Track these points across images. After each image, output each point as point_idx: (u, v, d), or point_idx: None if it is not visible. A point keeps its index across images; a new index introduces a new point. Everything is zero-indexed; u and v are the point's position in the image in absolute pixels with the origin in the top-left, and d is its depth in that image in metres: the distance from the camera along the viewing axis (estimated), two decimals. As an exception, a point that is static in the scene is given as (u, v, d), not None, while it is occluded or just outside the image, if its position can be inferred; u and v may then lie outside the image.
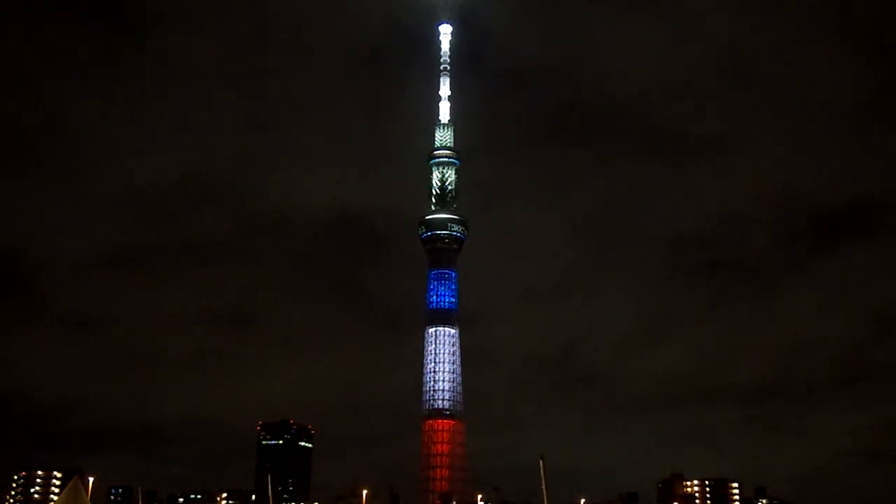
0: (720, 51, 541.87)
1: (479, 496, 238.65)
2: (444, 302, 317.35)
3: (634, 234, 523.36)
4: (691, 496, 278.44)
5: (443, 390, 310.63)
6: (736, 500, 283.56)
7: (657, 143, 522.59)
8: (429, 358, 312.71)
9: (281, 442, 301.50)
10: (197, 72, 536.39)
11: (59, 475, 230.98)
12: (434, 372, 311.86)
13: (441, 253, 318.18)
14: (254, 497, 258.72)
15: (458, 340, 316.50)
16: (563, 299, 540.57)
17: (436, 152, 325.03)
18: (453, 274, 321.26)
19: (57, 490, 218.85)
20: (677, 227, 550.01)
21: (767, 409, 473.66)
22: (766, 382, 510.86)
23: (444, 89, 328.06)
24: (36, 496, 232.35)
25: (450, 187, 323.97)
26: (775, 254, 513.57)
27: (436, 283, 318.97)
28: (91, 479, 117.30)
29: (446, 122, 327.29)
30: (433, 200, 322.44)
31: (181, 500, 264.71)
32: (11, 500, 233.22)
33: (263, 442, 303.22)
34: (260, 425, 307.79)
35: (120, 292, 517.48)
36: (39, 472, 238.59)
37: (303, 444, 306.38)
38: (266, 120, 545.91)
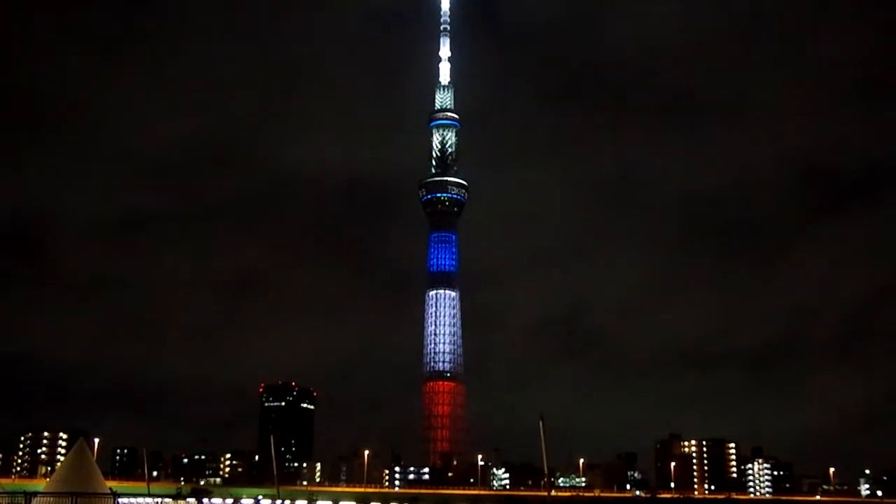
0: (736, 15, 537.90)
1: (480, 456, 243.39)
2: (445, 264, 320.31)
3: (645, 198, 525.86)
4: (688, 456, 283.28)
5: (443, 352, 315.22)
6: (733, 460, 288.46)
7: (670, 107, 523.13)
8: (429, 321, 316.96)
9: (283, 404, 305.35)
10: (210, 38, 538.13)
11: (65, 436, 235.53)
12: (434, 334, 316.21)
13: (441, 216, 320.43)
14: (257, 458, 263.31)
15: (458, 303, 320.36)
16: (571, 262, 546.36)
17: (435, 114, 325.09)
18: (454, 237, 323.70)
19: (63, 451, 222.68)
20: (688, 191, 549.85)
21: (770, 372, 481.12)
22: (769, 345, 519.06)
23: (444, 50, 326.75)
24: (43, 456, 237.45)
25: (450, 150, 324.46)
26: (784, 217, 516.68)
27: (436, 245, 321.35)
28: (96, 441, 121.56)
29: (446, 83, 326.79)
30: (433, 163, 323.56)
31: (185, 461, 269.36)
32: (19, 461, 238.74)
33: (266, 404, 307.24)
34: (262, 388, 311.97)
35: (130, 255, 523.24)
36: (46, 434, 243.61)
37: (305, 405, 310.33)
38: (278, 85, 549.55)
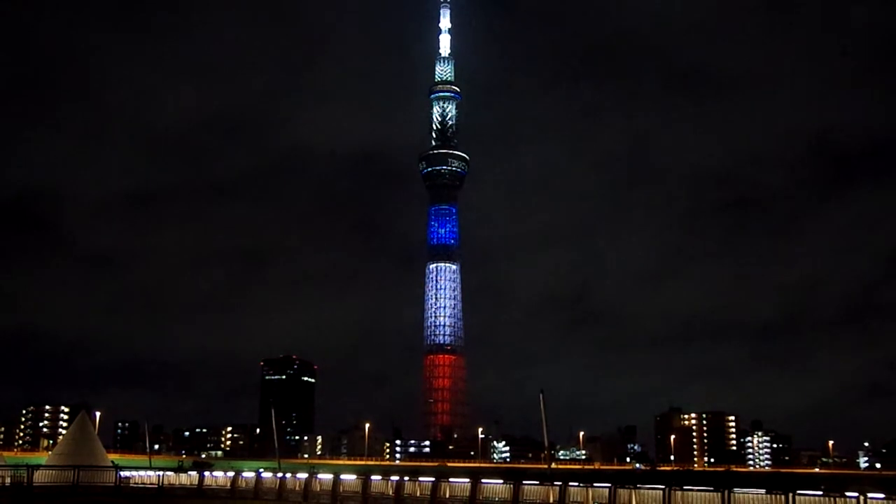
0: None
1: (480, 429, 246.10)
2: (445, 237, 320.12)
3: (655, 173, 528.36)
4: (688, 429, 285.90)
5: (443, 325, 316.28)
6: (732, 433, 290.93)
7: (682, 82, 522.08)
8: (429, 294, 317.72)
9: (284, 377, 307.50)
10: (219, 17, 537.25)
11: (66, 410, 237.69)
12: (435, 307, 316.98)
13: (441, 189, 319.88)
14: (258, 431, 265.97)
15: (458, 276, 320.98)
16: (577, 238, 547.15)
17: (435, 87, 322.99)
18: (454, 209, 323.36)
19: (65, 424, 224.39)
20: (698, 166, 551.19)
21: (773, 347, 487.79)
22: (774, 320, 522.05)
23: (445, 22, 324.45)
24: (45, 430, 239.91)
25: (451, 122, 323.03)
26: (793, 193, 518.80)
27: (436, 219, 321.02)
28: (98, 414, 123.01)
29: (446, 55, 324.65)
30: (434, 136, 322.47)
31: (187, 434, 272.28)
32: (21, 434, 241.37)
33: (267, 378, 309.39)
34: (263, 361, 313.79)
35: (139, 231, 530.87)
36: (48, 407, 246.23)
37: (306, 379, 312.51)
38: (286, 63, 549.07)
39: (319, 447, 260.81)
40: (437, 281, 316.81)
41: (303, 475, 56.72)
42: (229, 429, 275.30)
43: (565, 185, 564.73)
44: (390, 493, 47.51)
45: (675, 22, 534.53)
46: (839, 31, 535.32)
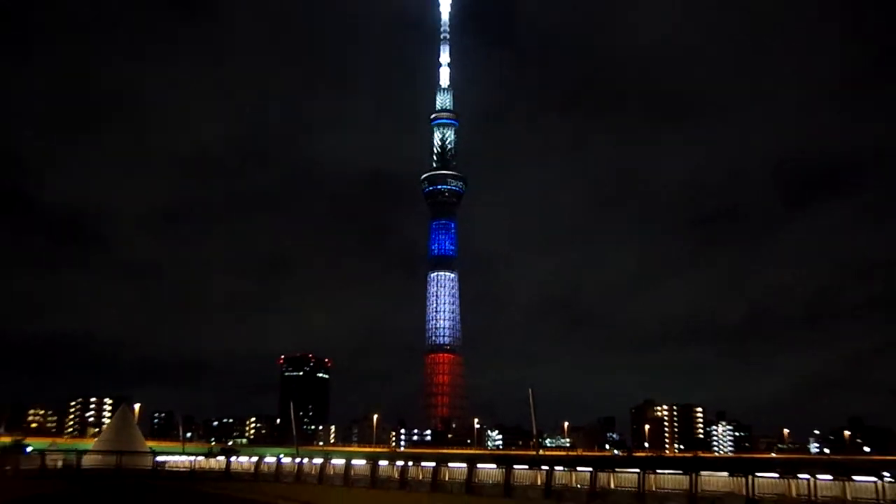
0: (726, 27, 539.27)
1: (476, 420, 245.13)
2: (445, 249, 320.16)
3: (637, 191, 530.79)
4: (661, 419, 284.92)
5: (443, 328, 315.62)
6: (700, 423, 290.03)
7: (663, 109, 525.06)
8: (431, 299, 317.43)
9: (301, 374, 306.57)
10: (248, 51, 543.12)
11: (109, 402, 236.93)
12: (435, 311, 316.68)
13: (441, 205, 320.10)
14: (278, 421, 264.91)
15: (457, 283, 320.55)
16: (567, 249, 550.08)
17: (435, 114, 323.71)
18: (452, 224, 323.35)
19: (108, 415, 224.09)
20: (676, 184, 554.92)
21: (738, 346, 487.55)
22: (742, 323, 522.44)
23: (444, 56, 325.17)
24: (90, 419, 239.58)
25: (449, 146, 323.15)
26: (760, 209, 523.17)
27: (436, 232, 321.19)
28: (137, 406, 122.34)
29: (446, 86, 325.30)
30: (434, 158, 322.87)
31: (215, 423, 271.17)
32: (70, 423, 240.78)
33: (286, 374, 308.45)
34: (282, 359, 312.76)
35: (174, 242, 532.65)
36: (93, 400, 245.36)
37: (321, 375, 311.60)
38: (308, 91, 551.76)
39: (333, 436, 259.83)
40: (437, 288, 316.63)
41: (318, 460, 56.66)
42: (253, 419, 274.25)
43: (555, 201, 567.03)
44: (395, 476, 47.49)
45: (656, 56, 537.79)
46: (802, 66, 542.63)
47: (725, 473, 34.02)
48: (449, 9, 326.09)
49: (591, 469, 38.59)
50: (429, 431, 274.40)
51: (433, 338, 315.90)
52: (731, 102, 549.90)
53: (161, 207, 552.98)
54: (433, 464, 46.40)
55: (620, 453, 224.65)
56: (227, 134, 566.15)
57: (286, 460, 60.59)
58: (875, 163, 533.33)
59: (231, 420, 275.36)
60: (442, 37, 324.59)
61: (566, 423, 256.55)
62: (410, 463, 48.35)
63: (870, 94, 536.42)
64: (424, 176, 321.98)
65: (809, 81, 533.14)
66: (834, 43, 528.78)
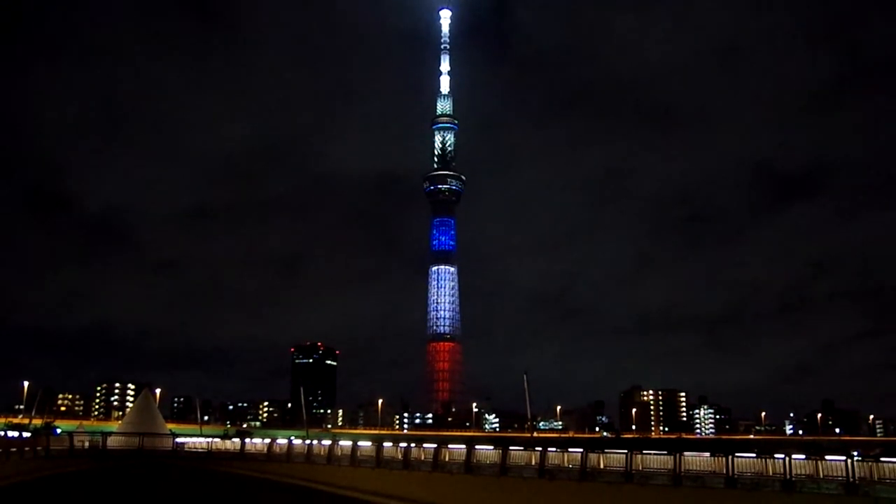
0: (706, 43, 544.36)
1: (474, 404, 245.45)
2: (445, 244, 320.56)
3: (626, 193, 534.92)
4: (647, 403, 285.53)
5: (444, 318, 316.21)
6: (683, 407, 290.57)
7: (651, 117, 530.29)
8: (432, 292, 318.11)
9: (311, 361, 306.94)
10: (273, 60, 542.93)
11: (132, 387, 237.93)
12: (437, 303, 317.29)
13: (441, 204, 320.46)
14: (289, 405, 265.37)
15: (456, 277, 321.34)
16: (560, 246, 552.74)
17: (436, 119, 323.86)
18: (452, 221, 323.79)
19: (131, 399, 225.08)
20: (662, 187, 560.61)
21: (721, 336, 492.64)
22: (722, 314, 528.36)
23: (445, 65, 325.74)
24: (115, 403, 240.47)
25: (449, 148, 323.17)
26: (739, 209, 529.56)
27: (437, 228, 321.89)
28: (158, 391, 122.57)
29: (446, 93, 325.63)
30: (435, 160, 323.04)
31: (231, 407, 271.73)
32: (96, 406, 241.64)
33: (297, 361, 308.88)
34: (294, 348, 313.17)
35: (197, 240, 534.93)
36: (117, 385, 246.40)
37: (329, 362, 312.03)
38: (324, 100, 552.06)
39: (340, 419, 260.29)
40: (438, 281, 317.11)
41: (327, 442, 56.75)
42: (266, 403, 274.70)
43: (550, 201, 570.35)
44: (399, 457, 47.53)
45: (646, 67, 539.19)
46: (776, 80, 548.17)
47: (707, 454, 34.07)
48: (449, 21, 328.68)
49: (581, 450, 38.64)
50: (430, 415, 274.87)
51: (434, 327, 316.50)
52: (712, 112, 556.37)
53: (186, 207, 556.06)
54: (434, 445, 46.45)
55: (609, 435, 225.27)
56: (249, 140, 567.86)
57: (297, 442, 60.72)
58: (841, 168, 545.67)
59: (245, 404, 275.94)
60: (442, 47, 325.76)
61: (559, 407, 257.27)
62: (413, 445, 48.40)
63: (836, 106, 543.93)
64: (426, 176, 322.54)
65: (782, 94, 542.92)
66: (817, 62, 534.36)
